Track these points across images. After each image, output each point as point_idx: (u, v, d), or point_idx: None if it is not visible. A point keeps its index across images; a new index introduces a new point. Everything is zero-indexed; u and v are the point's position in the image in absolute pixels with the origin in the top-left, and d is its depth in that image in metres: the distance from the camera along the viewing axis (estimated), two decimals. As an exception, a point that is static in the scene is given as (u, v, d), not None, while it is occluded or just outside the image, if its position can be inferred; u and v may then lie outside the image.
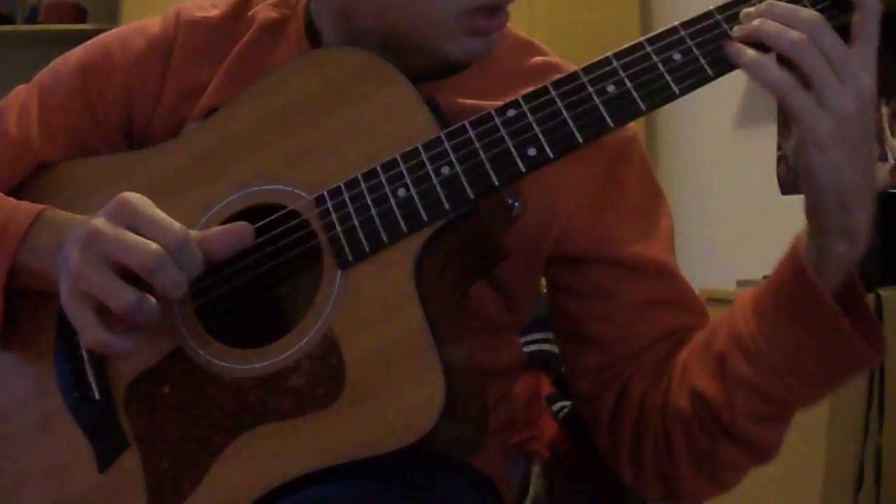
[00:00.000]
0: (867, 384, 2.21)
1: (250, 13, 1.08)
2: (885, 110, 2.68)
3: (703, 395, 0.94)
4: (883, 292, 2.23)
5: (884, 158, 2.70)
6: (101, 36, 1.10)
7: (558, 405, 1.27)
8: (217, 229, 0.90)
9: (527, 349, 1.26)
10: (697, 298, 1.05)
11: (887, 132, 2.69)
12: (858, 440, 2.22)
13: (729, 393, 0.92)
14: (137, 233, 0.87)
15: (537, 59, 1.07)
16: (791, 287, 0.88)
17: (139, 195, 0.89)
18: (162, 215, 0.88)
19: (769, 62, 0.83)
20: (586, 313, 1.03)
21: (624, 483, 1.05)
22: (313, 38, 1.05)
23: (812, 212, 0.87)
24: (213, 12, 1.08)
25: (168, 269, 0.86)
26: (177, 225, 0.87)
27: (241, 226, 0.90)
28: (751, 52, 0.83)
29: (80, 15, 3.92)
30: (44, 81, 1.09)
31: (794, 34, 0.82)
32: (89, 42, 1.10)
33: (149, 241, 0.86)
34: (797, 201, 0.89)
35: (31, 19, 3.92)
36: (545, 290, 1.13)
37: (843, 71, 0.82)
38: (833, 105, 0.81)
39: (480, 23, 0.95)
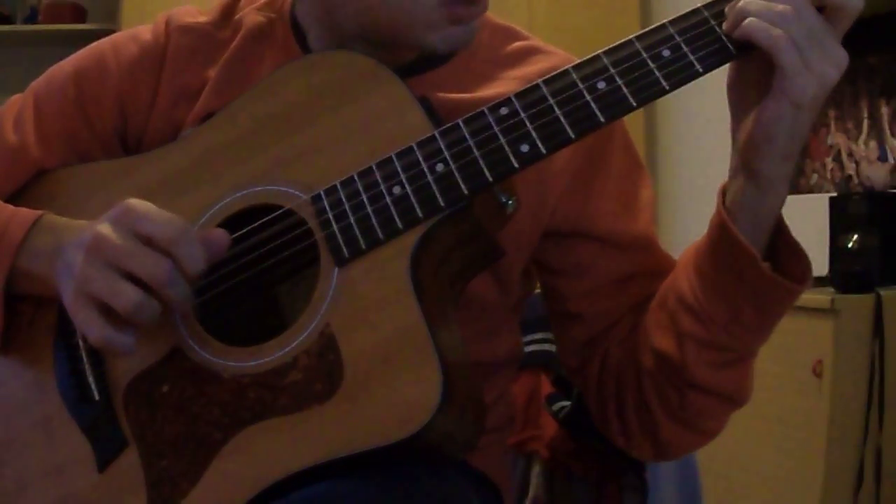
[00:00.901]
0: (867, 384, 2.21)
1: (237, 17, 1.09)
2: (884, 110, 2.68)
3: (661, 352, 0.98)
4: (883, 292, 2.24)
5: (884, 158, 2.70)
6: (95, 43, 1.11)
7: (558, 405, 1.27)
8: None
9: (527, 349, 1.26)
10: (669, 260, 1.07)
11: (887, 132, 2.69)
12: (858, 440, 2.22)
13: (682, 348, 0.97)
14: (142, 233, 0.88)
15: (518, 43, 1.08)
16: (718, 241, 0.93)
17: (142, 201, 0.90)
18: (164, 212, 0.89)
19: (762, 22, 0.85)
20: (569, 291, 1.06)
21: (619, 449, 1.09)
22: (300, 39, 1.06)
23: (753, 162, 0.90)
24: (202, 18, 1.10)
25: (179, 283, 0.87)
26: (178, 219, 0.89)
27: (219, 233, 0.91)
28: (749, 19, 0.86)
29: (79, 15, 3.92)
30: (39, 89, 1.10)
31: (780, 7, 0.85)
32: (83, 49, 1.11)
33: (160, 255, 0.87)
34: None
35: (31, 19, 3.92)
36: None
37: (824, 42, 0.85)
38: (817, 71, 0.85)
39: (459, 11, 0.96)
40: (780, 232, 0.93)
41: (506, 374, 1.15)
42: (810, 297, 2.29)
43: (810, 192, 2.89)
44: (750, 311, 0.93)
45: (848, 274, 2.30)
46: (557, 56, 1.07)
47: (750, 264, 0.91)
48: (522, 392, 1.30)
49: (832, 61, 0.85)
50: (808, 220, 2.20)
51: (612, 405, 1.05)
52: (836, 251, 2.43)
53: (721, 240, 0.92)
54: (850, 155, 2.79)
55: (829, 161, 2.85)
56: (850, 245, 2.39)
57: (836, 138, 2.82)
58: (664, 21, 0.89)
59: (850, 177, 2.80)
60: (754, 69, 0.88)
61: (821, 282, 2.38)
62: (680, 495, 1.23)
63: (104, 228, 0.88)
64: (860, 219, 2.41)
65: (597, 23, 3.56)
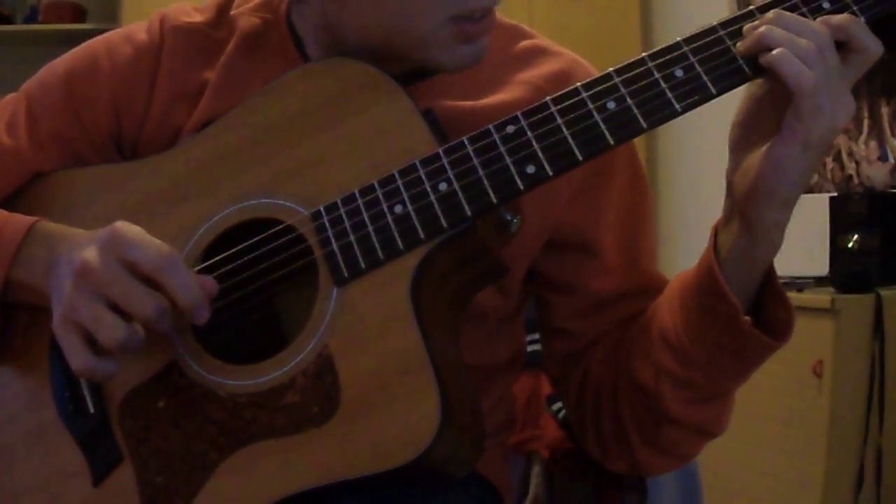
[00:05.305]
0: (867, 384, 2.21)
1: (232, 14, 1.07)
2: (885, 110, 2.68)
3: (639, 383, 0.98)
4: (883, 292, 2.24)
5: (884, 158, 2.70)
6: (87, 43, 1.09)
7: (558, 405, 1.27)
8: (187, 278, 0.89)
9: (527, 349, 1.26)
10: (658, 279, 1.06)
11: (887, 132, 2.69)
12: (858, 440, 2.22)
13: (658, 383, 0.96)
14: (129, 262, 0.86)
15: (524, 43, 1.06)
16: (704, 283, 0.91)
17: (131, 225, 0.88)
18: (152, 239, 0.87)
19: (793, 56, 0.82)
20: (557, 306, 1.06)
21: (602, 465, 1.08)
22: (297, 42, 1.04)
23: (750, 210, 0.87)
24: (198, 18, 1.07)
25: (163, 316, 0.86)
26: (165, 247, 0.87)
27: (208, 281, 0.90)
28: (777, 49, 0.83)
29: (79, 15, 3.92)
30: (31, 90, 1.08)
31: (805, 42, 0.82)
32: (75, 49, 1.09)
33: (144, 288, 0.85)
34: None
35: (31, 19, 3.92)
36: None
37: (839, 86, 0.83)
38: (829, 114, 0.82)
39: (468, 28, 0.94)
40: (769, 279, 0.91)
41: (508, 375, 1.14)
42: (810, 297, 2.29)
43: (810, 191, 2.89)
44: (727, 358, 0.92)
45: (848, 274, 2.30)
46: (564, 57, 1.05)
47: (731, 316, 0.89)
48: (522, 392, 1.30)
49: (843, 105, 0.83)
50: (808, 220, 2.20)
51: (590, 421, 1.04)
52: (836, 251, 2.43)
53: (707, 283, 0.91)
54: (851, 155, 2.79)
55: (829, 161, 2.85)
56: (850, 245, 2.39)
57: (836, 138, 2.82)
58: (678, 38, 0.87)
59: (850, 177, 2.80)
60: (766, 106, 0.86)
61: (821, 282, 2.38)
62: (680, 495, 1.23)
63: (91, 254, 0.87)
64: (860, 219, 2.41)
65: (597, 24, 3.56)
